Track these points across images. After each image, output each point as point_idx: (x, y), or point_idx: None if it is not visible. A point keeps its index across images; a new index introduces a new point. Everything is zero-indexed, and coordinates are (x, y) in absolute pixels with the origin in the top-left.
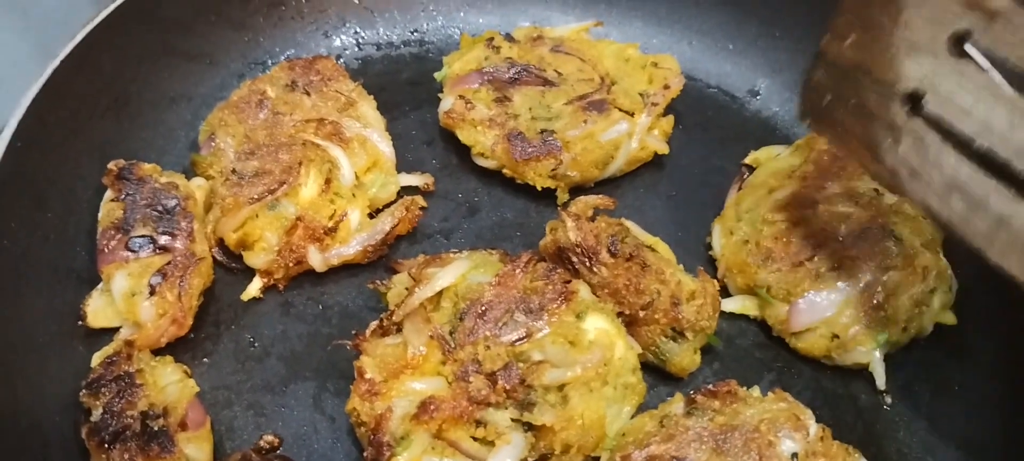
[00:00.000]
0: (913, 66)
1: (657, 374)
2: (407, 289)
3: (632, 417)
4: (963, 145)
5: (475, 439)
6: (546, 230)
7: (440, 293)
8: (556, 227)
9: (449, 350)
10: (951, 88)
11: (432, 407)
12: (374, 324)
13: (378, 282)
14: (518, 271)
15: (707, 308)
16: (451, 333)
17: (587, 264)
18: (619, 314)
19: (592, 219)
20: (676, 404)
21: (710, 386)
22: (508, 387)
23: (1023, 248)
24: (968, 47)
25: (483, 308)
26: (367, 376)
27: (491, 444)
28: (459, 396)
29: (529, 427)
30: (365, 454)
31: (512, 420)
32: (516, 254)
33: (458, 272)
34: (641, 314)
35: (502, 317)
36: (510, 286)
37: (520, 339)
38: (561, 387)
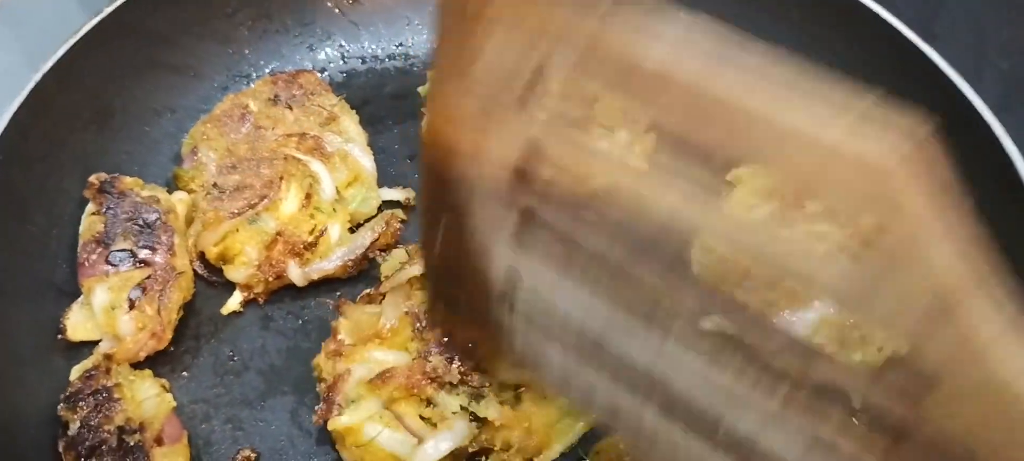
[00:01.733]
0: (500, 254)
1: None
2: (402, 264)
3: (585, 432)
4: (564, 334)
5: (422, 418)
6: None
7: None
8: None
9: (420, 328)
10: (533, 272)
11: (388, 375)
12: (365, 292)
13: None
14: None
15: None
16: (426, 313)
17: None
18: None
19: None
20: None
21: None
22: (463, 370)
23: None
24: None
25: None
26: (339, 336)
27: (434, 426)
28: (416, 371)
29: (475, 418)
30: (316, 408)
31: (461, 407)
32: None
33: None
34: None
35: None
36: None
37: None
38: (516, 387)
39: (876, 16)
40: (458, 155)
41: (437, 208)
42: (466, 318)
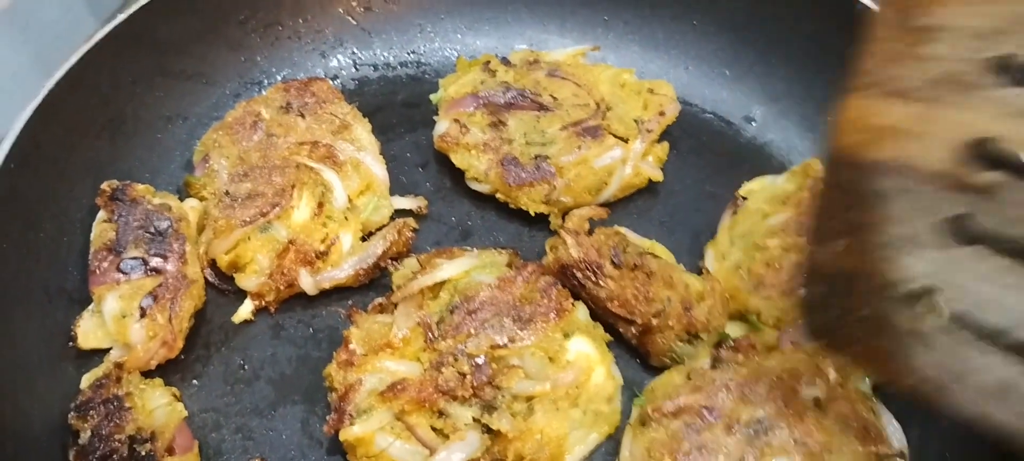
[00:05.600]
0: (916, 262)
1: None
2: (414, 273)
3: (598, 445)
4: (1001, 339)
5: (434, 429)
6: (547, 249)
7: (442, 284)
8: (556, 246)
9: (431, 339)
10: (964, 279)
11: (399, 387)
12: (376, 301)
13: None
14: (519, 278)
15: (717, 307)
16: (438, 323)
17: (593, 278)
18: (632, 324)
19: (589, 232)
20: (702, 359)
21: (732, 342)
22: (476, 384)
23: None
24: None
25: (475, 306)
26: (350, 346)
27: (446, 437)
28: (428, 383)
29: (487, 430)
30: (328, 418)
31: (473, 419)
32: (524, 261)
33: (462, 267)
34: (654, 322)
35: (490, 319)
36: (507, 291)
37: (502, 343)
38: (529, 399)
39: None
40: (888, 152)
41: (842, 205)
42: (857, 328)
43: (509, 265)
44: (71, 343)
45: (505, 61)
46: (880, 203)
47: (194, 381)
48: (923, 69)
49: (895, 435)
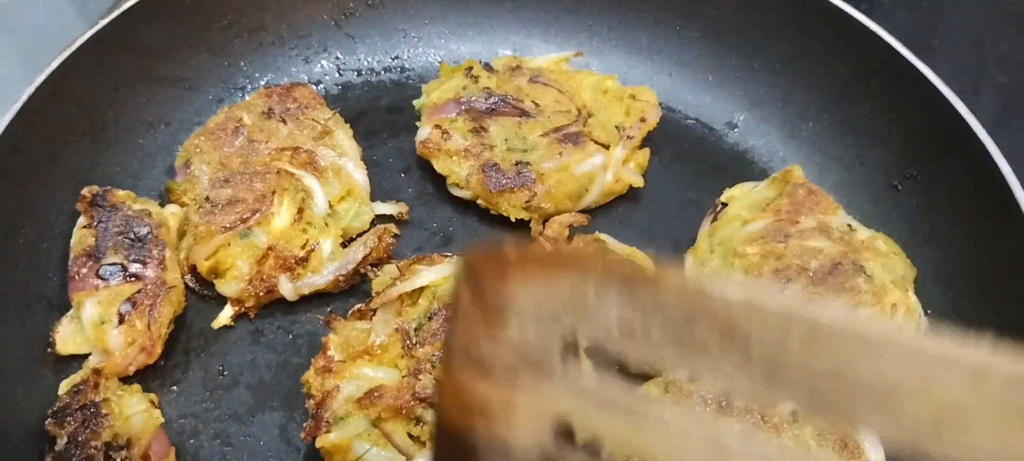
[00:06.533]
0: None
1: None
2: (393, 280)
3: None
4: None
5: (411, 436)
6: None
7: (421, 291)
8: None
9: (409, 346)
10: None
11: (376, 394)
12: (355, 307)
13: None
14: None
15: None
16: (416, 330)
17: None
18: None
19: (569, 239)
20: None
21: None
22: None
23: None
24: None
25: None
26: (328, 353)
27: (423, 444)
28: (405, 390)
29: None
30: (305, 425)
31: None
32: None
33: (441, 274)
34: None
35: None
36: None
37: None
38: None
39: (872, 33)
40: (481, 428)
41: None
42: None
43: None
44: (50, 349)
45: (488, 67)
46: None
47: (173, 387)
48: (500, 345)
49: (873, 450)
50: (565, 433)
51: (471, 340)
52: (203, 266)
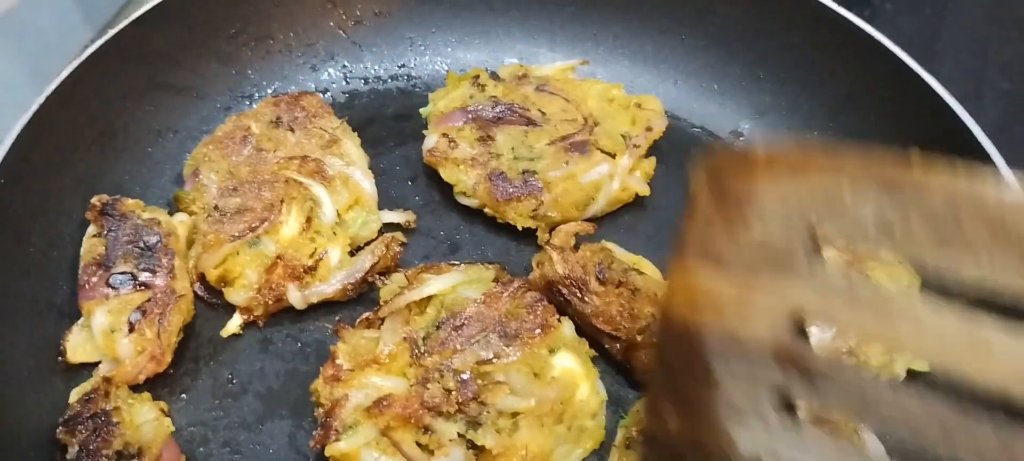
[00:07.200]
0: (745, 434)
1: None
2: (401, 289)
3: (584, 460)
4: None
5: (419, 445)
6: (533, 265)
7: (429, 299)
8: (542, 261)
9: (417, 354)
10: (790, 453)
11: (385, 403)
12: (364, 316)
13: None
14: (505, 294)
15: None
16: (424, 339)
17: (578, 294)
18: (617, 340)
19: (576, 248)
20: None
21: None
22: (461, 400)
23: None
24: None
25: (461, 322)
26: (337, 361)
27: (431, 453)
28: (414, 399)
29: (472, 445)
30: (314, 433)
31: (458, 434)
32: (511, 276)
33: (448, 283)
34: (639, 338)
35: (476, 334)
36: (493, 307)
37: (487, 359)
38: (514, 415)
39: (877, 42)
40: (713, 323)
41: (675, 373)
42: None
43: (495, 280)
44: (60, 357)
45: (494, 76)
46: (708, 372)
47: (182, 395)
48: (740, 243)
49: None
50: (800, 330)
51: (709, 238)
52: (212, 275)
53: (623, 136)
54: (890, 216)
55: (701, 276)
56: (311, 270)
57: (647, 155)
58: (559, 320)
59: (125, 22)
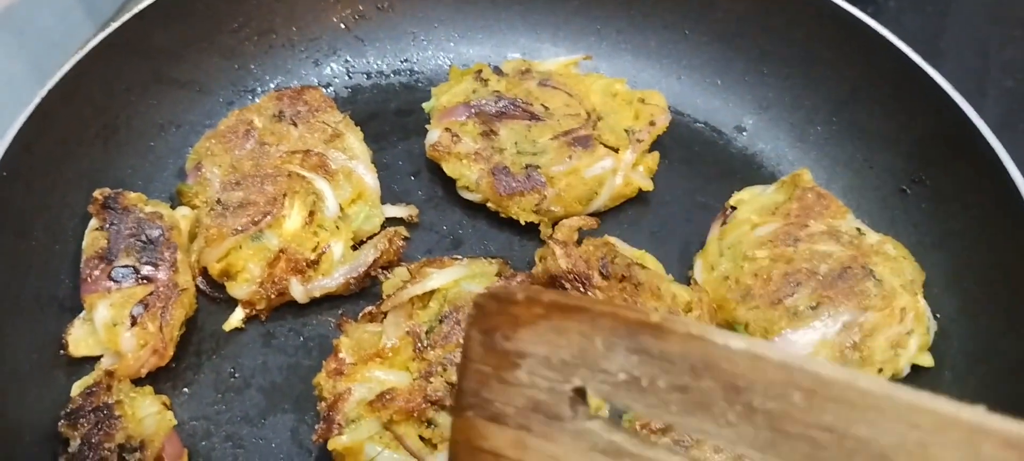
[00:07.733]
0: None
1: None
2: (404, 283)
3: None
4: None
5: (422, 439)
6: (536, 260)
7: (432, 294)
8: (545, 256)
9: (421, 348)
10: None
11: (388, 397)
12: (366, 310)
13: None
14: None
15: (705, 318)
16: (427, 333)
17: (581, 289)
18: None
19: (578, 242)
20: None
21: None
22: None
23: None
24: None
25: (464, 316)
26: (340, 355)
27: (434, 447)
28: (417, 393)
29: None
30: (317, 427)
31: None
32: (514, 271)
33: (452, 277)
34: None
35: None
36: None
37: None
38: None
39: (881, 37)
40: None
41: None
42: None
43: (498, 275)
44: (62, 351)
45: (497, 70)
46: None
47: (185, 389)
48: (512, 395)
49: None
50: None
51: (482, 383)
52: (214, 268)
53: (626, 131)
54: (636, 367)
55: (478, 429)
56: (314, 264)
57: (650, 150)
58: None
59: (127, 16)
